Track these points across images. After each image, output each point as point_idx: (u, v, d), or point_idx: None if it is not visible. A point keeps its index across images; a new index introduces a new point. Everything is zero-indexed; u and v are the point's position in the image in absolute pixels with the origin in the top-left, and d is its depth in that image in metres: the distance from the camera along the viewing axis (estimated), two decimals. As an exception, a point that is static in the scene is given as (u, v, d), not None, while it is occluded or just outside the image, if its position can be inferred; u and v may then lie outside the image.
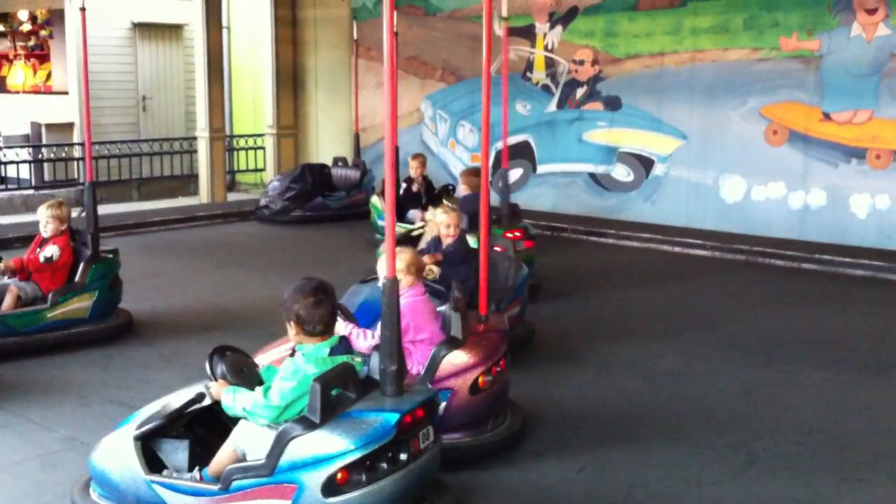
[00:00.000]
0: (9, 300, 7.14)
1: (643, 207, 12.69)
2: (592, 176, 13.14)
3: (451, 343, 5.17)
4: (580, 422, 5.82)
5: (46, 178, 16.06)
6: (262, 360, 5.07)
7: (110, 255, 7.76)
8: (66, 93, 17.52)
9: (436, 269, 7.11)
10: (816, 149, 11.21)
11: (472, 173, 9.44)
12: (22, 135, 16.97)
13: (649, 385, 6.58)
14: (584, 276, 9.98)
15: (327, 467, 3.84)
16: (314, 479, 3.85)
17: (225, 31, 18.00)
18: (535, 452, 5.33)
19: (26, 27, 18.77)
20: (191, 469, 4.32)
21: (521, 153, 13.78)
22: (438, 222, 7.15)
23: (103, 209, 14.59)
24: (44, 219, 7.34)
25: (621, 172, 12.90)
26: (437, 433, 4.34)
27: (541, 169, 13.65)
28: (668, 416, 5.95)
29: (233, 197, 16.35)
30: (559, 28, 13.33)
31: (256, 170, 17.83)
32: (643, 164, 12.68)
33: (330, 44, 16.16)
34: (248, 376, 4.38)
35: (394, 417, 3.97)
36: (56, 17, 17.96)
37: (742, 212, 11.84)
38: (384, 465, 3.94)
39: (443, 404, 4.99)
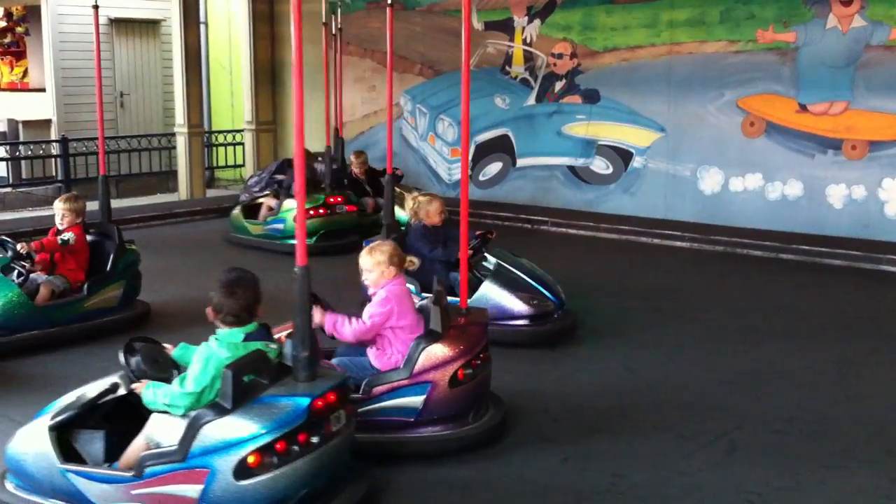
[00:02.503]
0: (45, 293, 7.27)
1: (622, 200, 12.75)
2: (571, 169, 13.19)
3: (431, 336, 5.19)
4: (562, 413, 5.86)
5: (24, 175, 15.95)
6: None
7: (133, 247, 7.96)
8: (43, 90, 17.42)
9: (416, 260, 7.24)
10: (793, 140, 11.30)
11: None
12: (-1, 132, 16.89)
13: (630, 376, 6.63)
14: (563, 269, 10.01)
15: (239, 451, 3.95)
16: (226, 463, 3.95)
17: (202, 27, 17.94)
18: (518, 444, 5.36)
19: (1, 24, 18.62)
20: (108, 460, 4.41)
21: (501, 147, 13.82)
22: (431, 210, 7.61)
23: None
24: (60, 211, 7.50)
25: (600, 165, 12.95)
26: (349, 416, 4.43)
27: (520, 162, 13.69)
28: (649, 406, 6.00)
29: (212, 193, 16.29)
30: (537, 22, 13.36)
31: (235, 166, 17.77)
32: (622, 156, 12.74)
33: (308, 39, 16.07)
34: (163, 365, 4.50)
35: (305, 402, 4.08)
36: (32, 14, 17.84)
37: (720, 203, 11.92)
38: (296, 447, 4.04)
39: (422, 398, 5.05)
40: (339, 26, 13.70)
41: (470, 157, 13.87)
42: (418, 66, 14.68)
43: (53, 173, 15.97)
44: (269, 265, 8.44)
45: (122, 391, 4.48)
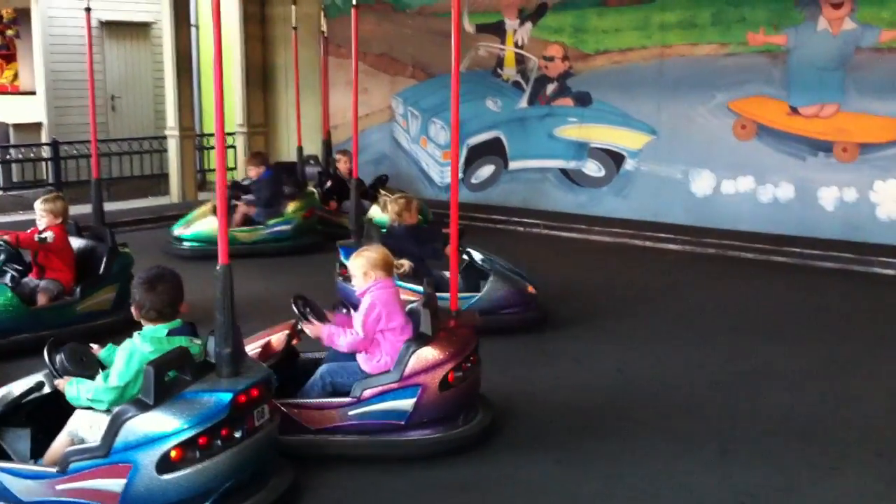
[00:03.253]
0: (43, 300, 7.29)
1: (614, 202, 12.76)
2: (564, 171, 13.20)
3: (420, 339, 5.20)
4: (555, 415, 5.86)
5: (15, 178, 15.89)
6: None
7: (126, 249, 7.95)
8: (34, 93, 17.36)
9: (406, 264, 7.31)
10: (784, 143, 11.33)
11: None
12: (-11, 136, 16.84)
13: (622, 378, 6.64)
14: (555, 271, 10.03)
15: (161, 446, 4.04)
16: (148, 458, 4.04)
17: (193, 30, 17.91)
18: (511, 446, 5.37)
19: (-8, 27, 18.61)
20: (34, 457, 4.47)
21: (493, 150, 13.83)
22: (413, 211, 7.81)
23: (72, 210, 14.55)
24: (39, 212, 7.48)
25: (592, 168, 12.96)
26: (273, 411, 4.50)
27: (512, 165, 13.70)
28: (642, 407, 6.01)
29: (204, 196, 16.24)
30: (529, 24, 13.38)
31: (227, 168, 17.71)
32: (613, 159, 12.76)
33: (299, 41, 16.10)
34: (87, 363, 4.55)
35: (227, 397, 4.17)
36: (22, 17, 17.79)
37: (711, 206, 11.94)
38: (218, 442, 4.14)
39: (412, 400, 5.06)
40: (322, 30, 13.71)
41: (462, 160, 13.96)
42: (410, 69, 14.67)
43: (44, 176, 15.92)
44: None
45: (46, 389, 4.56)
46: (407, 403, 5.09)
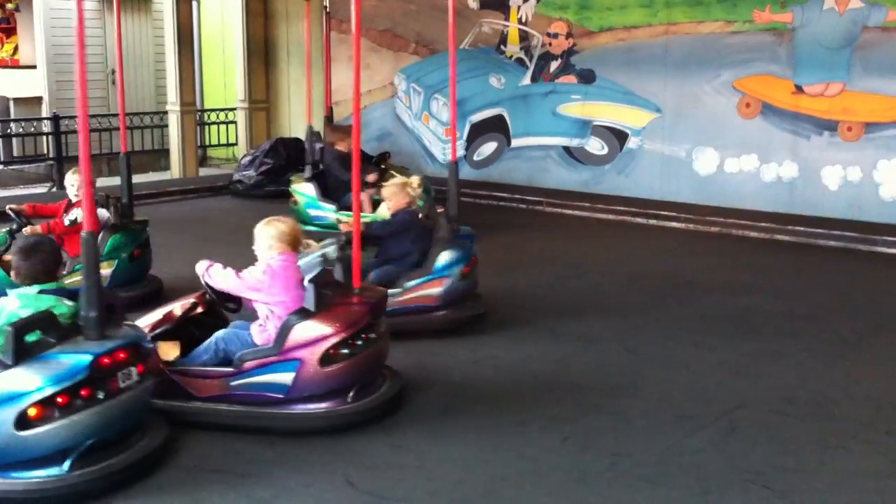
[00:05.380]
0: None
1: (617, 180, 12.73)
2: (567, 149, 13.16)
3: (302, 314, 5.21)
4: (562, 393, 5.85)
5: (16, 153, 15.85)
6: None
7: (138, 226, 7.98)
8: (34, 66, 17.28)
9: (343, 218, 7.27)
10: (789, 121, 11.29)
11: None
12: (-10, 109, 16.79)
13: (629, 356, 6.63)
14: (558, 249, 10.02)
15: (19, 403, 4.21)
16: (7, 415, 4.21)
17: (195, 3, 17.79)
18: (519, 423, 5.36)
19: (-9, 0, 18.51)
20: None
21: (496, 127, 13.77)
22: (413, 193, 7.40)
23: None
24: (75, 183, 7.56)
25: (595, 146, 12.92)
26: (143, 374, 4.63)
27: (515, 142, 13.65)
28: (649, 386, 6.00)
29: (205, 172, 16.23)
30: (533, 1, 13.29)
31: (228, 144, 17.69)
32: (617, 137, 12.71)
33: (301, 16, 16.01)
34: None
35: (87, 358, 4.33)
36: (22, -10, 17.71)
37: (715, 184, 11.91)
38: (78, 401, 4.30)
39: (292, 374, 5.11)
40: (325, 5, 13.62)
41: (464, 137, 13.92)
42: (413, 45, 14.60)
43: (45, 151, 15.87)
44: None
45: None
46: (286, 377, 5.12)
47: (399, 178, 7.74)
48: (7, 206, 7.82)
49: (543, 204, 12.55)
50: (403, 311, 6.80)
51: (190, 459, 4.85)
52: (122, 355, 4.49)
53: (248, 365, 5.15)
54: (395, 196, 7.34)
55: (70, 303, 4.61)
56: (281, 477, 4.67)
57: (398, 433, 5.21)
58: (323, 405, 5.21)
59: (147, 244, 8.03)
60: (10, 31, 18.49)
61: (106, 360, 4.40)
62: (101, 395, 4.37)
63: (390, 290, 6.54)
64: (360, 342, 5.26)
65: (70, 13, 16.77)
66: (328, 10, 14.04)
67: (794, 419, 5.46)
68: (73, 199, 7.60)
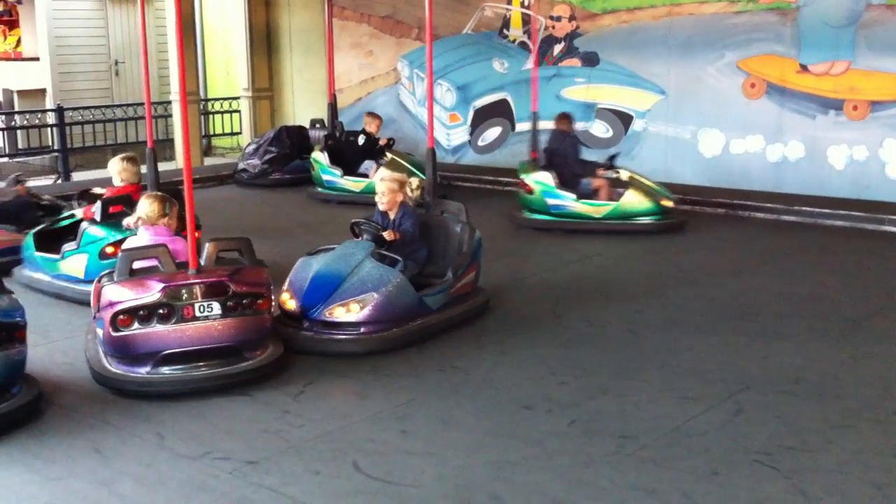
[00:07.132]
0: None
1: (622, 163, 12.61)
2: (571, 133, 13.09)
3: (109, 276, 5.79)
4: (568, 376, 5.85)
5: (20, 145, 15.86)
6: None
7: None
8: (37, 59, 17.28)
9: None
10: (794, 101, 11.24)
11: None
12: (-6, 102, 16.81)
13: (634, 339, 6.62)
14: (563, 234, 9.99)
15: None
16: None
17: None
18: (525, 407, 5.36)
19: (-7, -7, 18.51)
20: None
21: (500, 111, 13.74)
22: (411, 195, 7.19)
23: (78, 176, 14.53)
24: (118, 170, 7.95)
25: (600, 129, 12.89)
26: (20, 339, 5.17)
27: (519, 127, 13.62)
28: (655, 368, 6.00)
29: (209, 161, 16.23)
30: (535, -16, 13.25)
31: (232, 133, 17.68)
32: (622, 119, 12.68)
33: (304, 4, 16.00)
34: None
35: None
36: (24, -17, 17.70)
37: (721, 165, 11.88)
38: None
39: (101, 332, 5.58)
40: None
41: (469, 122, 13.89)
42: (415, 31, 14.56)
43: (50, 143, 15.88)
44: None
45: None
46: (100, 333, 5.63)
47: (398, 175, 7.45)
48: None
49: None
50: (455, 300, 6.90)
51: (196, 446, 4.87)
52: None
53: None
54: (393, 193, 7.04)
55: None
56: (289, 464, 4.68)
57: (406, 419, 5.21)
58: (133, 370, 5.59)
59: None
60: (13, 24, 18.48)
61: None
62: None
63: (439, 283, 6.72)
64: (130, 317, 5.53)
65: (73, 5, 16.79)
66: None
67: (801, 399, 5.46)
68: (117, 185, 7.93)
